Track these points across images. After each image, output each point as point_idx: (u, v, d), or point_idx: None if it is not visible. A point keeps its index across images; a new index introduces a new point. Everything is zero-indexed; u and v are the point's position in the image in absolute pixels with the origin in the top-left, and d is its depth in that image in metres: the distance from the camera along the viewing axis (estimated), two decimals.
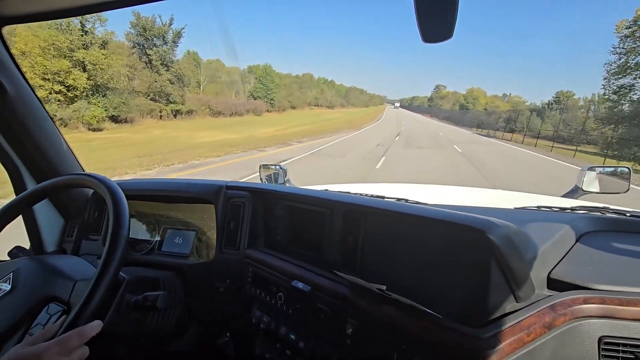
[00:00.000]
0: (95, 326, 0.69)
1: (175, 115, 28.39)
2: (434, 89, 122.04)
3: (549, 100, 50.93)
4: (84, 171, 1.30)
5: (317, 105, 68.28)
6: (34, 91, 1.13)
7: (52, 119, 1.21)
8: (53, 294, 0.85)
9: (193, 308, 1.15)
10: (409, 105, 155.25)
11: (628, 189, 1.59)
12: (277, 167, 2.13)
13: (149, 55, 26.70)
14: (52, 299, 0.85)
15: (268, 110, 43.22)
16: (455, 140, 21.36)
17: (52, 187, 0.94)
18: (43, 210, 1.31)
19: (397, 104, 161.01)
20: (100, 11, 0.92)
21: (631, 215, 1.07)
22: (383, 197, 1.23)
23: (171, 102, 27.90)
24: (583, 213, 1.12)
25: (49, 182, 0.94)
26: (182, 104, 28.99)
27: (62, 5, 0.90)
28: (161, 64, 27.54)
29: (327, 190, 1.30)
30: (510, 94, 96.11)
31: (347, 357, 0.78)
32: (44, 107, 1.18)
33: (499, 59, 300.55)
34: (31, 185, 1.22)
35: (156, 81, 26.58)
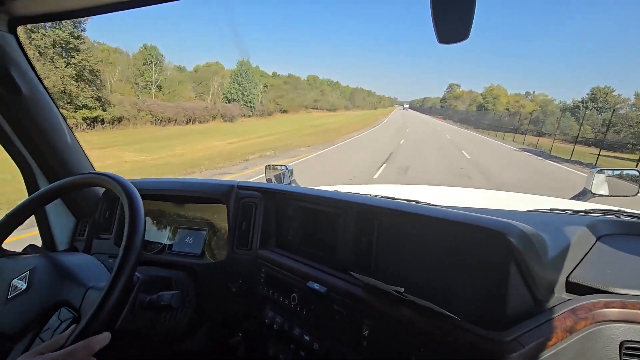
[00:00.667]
0: (104, 339, 0.69)
1: (92, 125, 20.80)
2: (447, 88, 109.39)
3: (582, 98, 43.26)
4: (95, 170, 1.31)
5: (316, 109, 64.70)
6: (48, 91, 1.15)
7: (65, 119, 1.22)
8: (65, 299, 0.85)
9: (205, 308, 1.16)
10: (420, 106, 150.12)
11: (638, 193, 1.58)
12: (283, 167, 2.15)
13: (34, 39, 18.26)
14: (64, 304, 0.85)
15: (245, 115, 36.75)
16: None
17: (67, 186, 0.94)
18: (55, 209, 1.32)
19: (406, 106, 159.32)
20: (113, 11, 0.92)
21: None
22: (393, 198, 1.22)
23: (81, 107, 20.18)
24: (597, 216, 1.11)
25: (64, 180, 0.94)
26: (102, 110, 21.41)
27: (75, 5, 0.90)
28: (58, 54, 19.14)
29: (336, 191, 1.29)
30: (534, 92, 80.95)
31: (363, 359, 0.78)
32: (57, 108, 1.19)
33: (519, 53, 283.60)
34: (43, 184, 1.23)
35: (48, 77, 18.14)
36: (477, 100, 74.70)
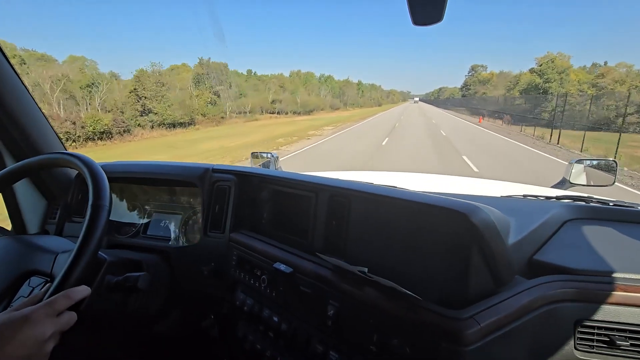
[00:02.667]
0: (83, 290, 0.68)
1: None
2: (469, 72, 78.79)
3: None
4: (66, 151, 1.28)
5: (274, 113, 48.12)
6: (14, 69, 1.11)
7: (33, 99, 1.19)
8: (33, 268, 0.84)
9: (177, 291, 1.16)
10: (435, 98, 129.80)
11: (614, 182, 1.61)
12: (269, 154, 2.15)
13: None
14: (32, 273, 0.84)
15: (124, 132, 23.80)
16: None
17: (31, 166, 0.91)
18: (24, 191, 1.29)
19: (417, 99, 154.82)
20: None
21: (614, 205, 1.09)
22: (372, 184, 1.22)
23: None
24: (567, 202, 1.13)
25: (27, 160, 0.91)
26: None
27: None
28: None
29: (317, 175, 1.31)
30: (605, 62, 42.58)
31: (328, 339, 0.79)
32: (25, 87, 1.16)
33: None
34: (11, 164, 1.16)
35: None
36: (522, 80, 41.33)
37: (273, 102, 50.70)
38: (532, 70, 41.26)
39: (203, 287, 1.14)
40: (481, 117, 33.19)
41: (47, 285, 0.71)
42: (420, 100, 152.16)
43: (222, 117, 37.68)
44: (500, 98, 37.55)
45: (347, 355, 0.74)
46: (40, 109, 1.24)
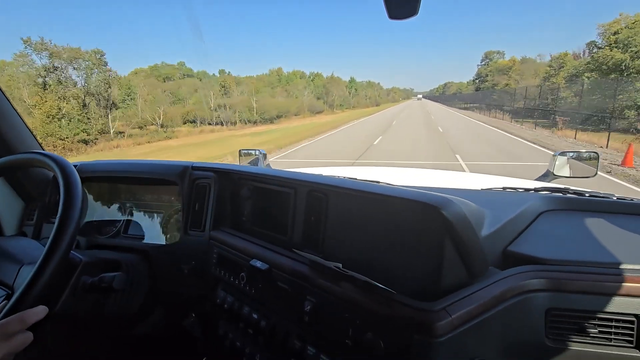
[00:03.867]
0: (39, 311, 0.66)
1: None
2: (482, 61, 61.10)
3: None
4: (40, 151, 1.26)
5: (219, 124, 37.18)
6: None
7: (7, 98, 1.17)
8: None
9: (158, 290, 1.15)
10: (441, 94, 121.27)
11: (596, 174, 1.63)
12: (257, 152, 2.13)
13: None
14: None
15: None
16: None
17: (2, 166, 0.89)
18: (0, 192, 1.27)
19: (420, 96, 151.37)
20: None
21: (590, 195, 1.10)
22: (355, 179, 1.22)
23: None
24: (545, 193, 1.14)
25: None
26: None
27: None
28: None
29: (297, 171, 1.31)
30: None
31: (306, 334, 0.79)
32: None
33: None
34: None
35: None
36: (569, 64, 27.86)
37: (218, 108, 39.38)
38: (592, 46, 24.33)
39: (184, 286, 1.14)
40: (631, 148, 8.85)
41: (3, 303, 0.69)
42: (424, 97, 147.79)
43: (89, 138, 24.34)
44: (529, 88, 25.05)
45: (324, 350, 0.74)
46: (14, 108, 1.22)
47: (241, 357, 0.92)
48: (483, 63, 61.79)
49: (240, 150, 2.20)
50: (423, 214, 0.65)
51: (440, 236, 0.63)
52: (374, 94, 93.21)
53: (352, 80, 79.94)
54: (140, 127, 31.80)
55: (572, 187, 1.20)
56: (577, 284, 0.66)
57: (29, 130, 1.28)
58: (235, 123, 38.36)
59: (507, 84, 42.54)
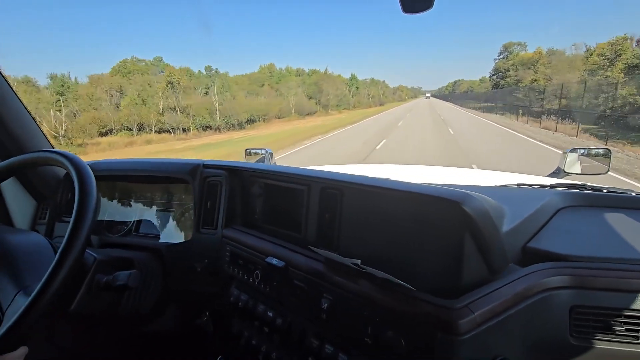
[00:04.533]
0: (18, 355, 0.64)
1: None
2: (500, 55, 50.27)
3: None
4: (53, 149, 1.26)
5: (167, 131, 31.11)
6: None
7: (18, 97, 1.17)
8: None
9: (171, 288, 1.15)
10: (450, 93, 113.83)
11: (608, 171, 1.64)
12: (264, 150, 2.13)
13: None
14: None
15: None
16: None
17: (15, 165, 0.89)
18: (13, 192, 1.27)
19: (428, 95, 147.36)
20: None
21: (608, 192, 1.09)
22: (364, 176, 1.22)
23: None
24: (562, 190, 1.13)
25: (12, 159, 0.90)
26: None
27: None
28: None
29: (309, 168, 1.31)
30: None
31: (323, 332, 0.78)
32: (9, 85, 1.14)
33: None
34: None
35: None
36: (629, 53, 19.46)
37: (166, 111, 32.11)
38: None
39: (196, 284, 1.14)
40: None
41: None
42: (432, 96, 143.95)
43: None
44: (569, 84, 19.60)
45: (342, 348, 0.74)
46: (26, 107, 1.22)
47: (257, 356, 0.91)
48: (501, 56, 49.67)
49: (246, 150, 2.21)
50: (443, 210, 0.64)
51: (460, 232, 0.62)
52: (378, 92, 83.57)
53: (353, 78, 69.81)
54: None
55: (589, 184, 1.19)
56: (602, 281, 0.64)
57: (40, 129, 1.28)
58: (188, 130, 31.82)
59: (535, 80, 33.67)
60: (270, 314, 0.90)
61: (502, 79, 46.46)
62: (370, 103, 73.29)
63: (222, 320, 1.09)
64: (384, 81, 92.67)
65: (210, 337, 1.15)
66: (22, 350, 0.64)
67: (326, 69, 61.34)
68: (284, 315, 0.87)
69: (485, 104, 39.33)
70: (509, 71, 44.34)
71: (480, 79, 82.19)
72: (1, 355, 0.62)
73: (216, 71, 41.36)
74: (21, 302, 0.71)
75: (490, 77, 55.15)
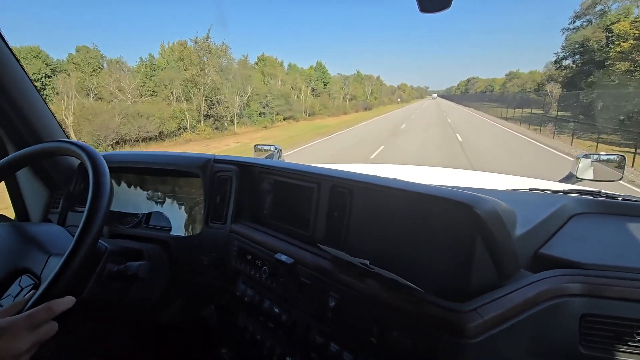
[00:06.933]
0: (66, 302, 0.67)
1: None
2: (575, 21, 24.87)
3: None
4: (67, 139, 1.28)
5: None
6: (15, 57, 1.11)
7: (35, 87, 1.19)
8: (26, 266, 0.84)
9: (178, 281, 1.17)
10: (463, 93, 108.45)
11: (622, 177, 1.61)
12: (272, 147, 2.15)
13: None
14: (25, 271, 0.84)
15: None
16: None
17: (32, 154, 0.91)
18: (27, 181, 1.30)
19: (435, 95, 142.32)
20: None
21: (623, 199, 1.07)
22: (374, 175, 1.22)
23: None
24: (575, 196, 1.11)
25: (27, 149, 0.91)
26: None
27: None
28: None
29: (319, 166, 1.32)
30: None
31: (328, 330, 0.79)
32: (27, 75, 1.16)
33: None
34: (12, 152, 1.15)
35: None
36: None
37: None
38: None
39: (204, 278, 1.15)
40: None
41: (32, 292, 0.70)
42: (439, 96, 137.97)
43: None
44: None
45: (347, 347, 0.74)
46: (42, 97, 1.24)
47: (261, 350, 0.92)
48: (583, 21, 26.59)
49: (255, 146, 2.22)
50: (454, 212, 0.63)
51: (471, 235, 0.61)
52: (364, 92, 53.73)
53: (319, 67, 40.91)
54: None
55: (603, 190, 1.18)
56: (616, 290, 0.63)
57: (55, 119, 1.30)
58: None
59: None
60: (276, 310, 0.90)
61: (583, 64, 25.53)
62: (345, 108, 41.92)
63: (228, 314, 1.10)
64: (378, 77, 66.62)
65: (215, 330, 1.16)
66: (68, 299, 0.68)
67: (245, 56, 33.45)
68: (289, 312, 0.88)
69: (528, 113, 24.46)
70: (609, 47, 21.27)
71: (508, 74, 63.59)
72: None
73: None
74: (54, 263, 0.76)
75: (556, 61, 30.34)
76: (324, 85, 41.62)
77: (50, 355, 0.93)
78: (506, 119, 26.00)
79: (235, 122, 24.71)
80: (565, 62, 29.36)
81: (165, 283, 1.13)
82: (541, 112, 24.52)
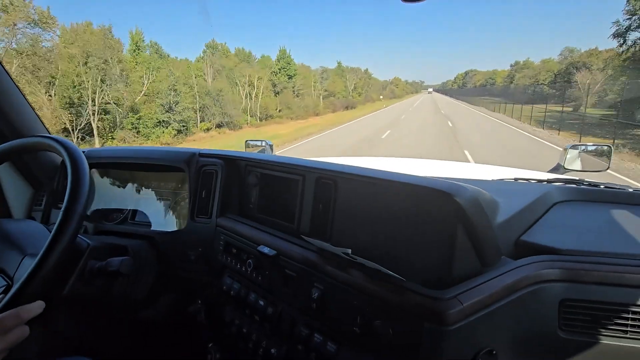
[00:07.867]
0: (36, 308, 0.65)
1: None
2: None
3: None
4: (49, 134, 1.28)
5: None
6: None
7: (13, 80, 1.16)
8: (1, 267, 0.83)
9: (164, 276, 1.16)
10: (460, 87, 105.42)
11: (608, 168, 1.62)
12: (264, 142, 2.13)
13: None
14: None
15: None
16: None
17: (10, 150, 0.89)
18: (9, 178, 1.28)
19: (431, 90, 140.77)
20: None
21: (605, 187, 1.09)
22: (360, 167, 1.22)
23: None
24: (558, 184, 1.13)
25: (7, 144, 0.89)
26: None
27: None
28: None
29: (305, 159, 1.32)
30: None
31: (313, 322, 0.79)
32: (5, 71, 1.13)
33: None
34: None
35: None
36: None
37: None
38: None
39: (190, 273, 1.15)
40: None
41: (1, 296, 0.69)
42: (434, 91, 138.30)
43: None
44: None
45: (331, 337, 0.74)
46: (22, 92, 1.21)
47: (248, 344, 0.92)
48: None
49: (246, 141, 2.21)
50: (435, 201, 0.64)
51: (452, 223, 0.62)
52: (344, 87, 43.85)
53: (282, 56, 32.15)
54: None
55: (586, 179, 1.19)
56: (594, 275, 0.64)
57: (36, 114, 1.28)
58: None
59: None
60: (261, 302, 0.90)
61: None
62: (316, 109, 32.93)
63: (215, 308, 1.10)
64: (366, 70, 57.60)
65: (203, 325, 1.16)
66: (38, 303, 0.66)
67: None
68: (275, 304, 0.88)
69: (541, 110, 18.49)
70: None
71: (514, 64, 57.51)
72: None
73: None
74: (28, 264, 0.74)
75: (622, 34, 19.12)
76: (289, 78, 31.60)
77: (33, 355, 0.92)
78: (516, 119, 20.08)
79: (96, 136, 16.46)
80: (632, 36, 17.72)
81: (151, 279, 1.12)
82: (569, 109, 18.71)
